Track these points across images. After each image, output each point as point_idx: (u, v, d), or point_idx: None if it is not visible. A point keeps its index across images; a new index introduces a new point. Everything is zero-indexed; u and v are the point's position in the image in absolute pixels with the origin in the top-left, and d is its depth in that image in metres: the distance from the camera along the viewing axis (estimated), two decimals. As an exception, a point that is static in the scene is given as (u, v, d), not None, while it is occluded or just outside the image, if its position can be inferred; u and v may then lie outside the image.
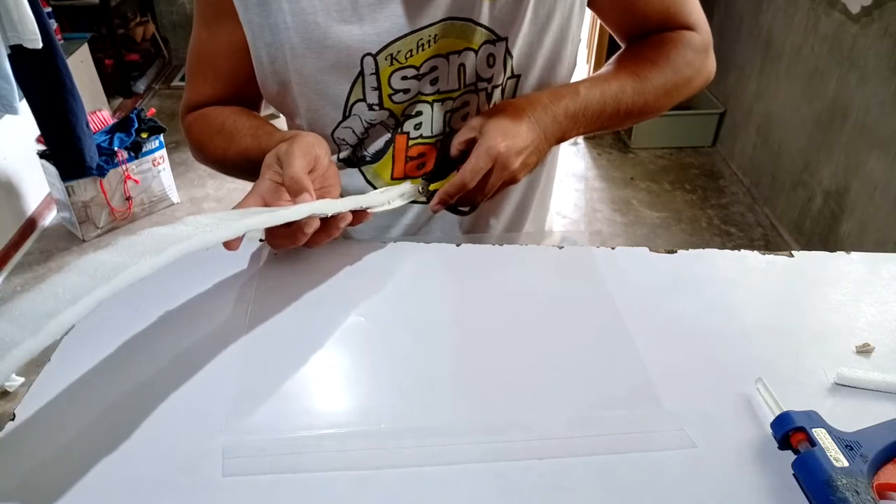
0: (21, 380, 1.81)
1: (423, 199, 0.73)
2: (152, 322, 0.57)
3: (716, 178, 2.80)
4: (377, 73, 0.67)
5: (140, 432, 0.47)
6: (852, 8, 1.93)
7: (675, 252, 0.66)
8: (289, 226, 0.55)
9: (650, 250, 0.67)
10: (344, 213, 0.58)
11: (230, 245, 0.51)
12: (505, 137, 0.62)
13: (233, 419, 0.48)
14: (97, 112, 2.52)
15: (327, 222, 0.58)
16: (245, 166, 0.69)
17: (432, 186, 0.69)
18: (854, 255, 0.66)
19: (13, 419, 0.48)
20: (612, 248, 0.67)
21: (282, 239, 0.57)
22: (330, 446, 0.46)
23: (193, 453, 0.46)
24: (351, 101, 0.69)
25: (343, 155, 0.75)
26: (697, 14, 0.74)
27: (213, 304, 0.59)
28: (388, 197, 0.67)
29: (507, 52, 0.68)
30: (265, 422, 0.48)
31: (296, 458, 0.45)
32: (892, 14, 1.79)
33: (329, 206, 0.57)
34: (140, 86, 3.53)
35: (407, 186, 0.70)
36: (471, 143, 0.65)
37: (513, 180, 0.66)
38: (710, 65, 0.75)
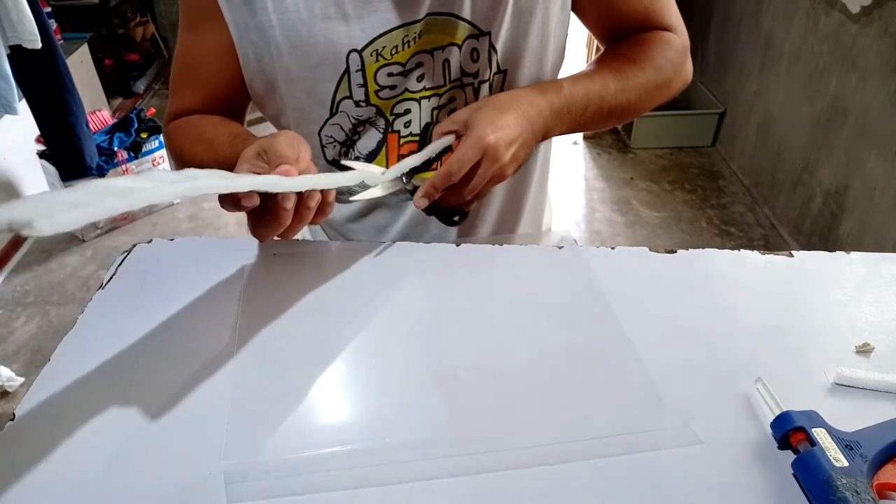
0: (21, 380, 1.81)
1: (408, 190, 0.68)
2: (145, 331, 0.56)
3: (716, 178, 2.80)
4: (363, 69, 0.67)
5: (137, 452, 0.47)
6: (852, 8, 1.92)
7: (675, 252, 0.66)
8: (268, 211, 0.53)
9: (650, 250, 0.67)
10: (314, 193, 0.55)
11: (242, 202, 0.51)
12: (495, 129, 0.60)
13: (232, 441, 0.47)
14: (97, 112, 2.52)
15: (298, 207, 0.55)
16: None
17: (416, 178, 0.67)
18: (854, 255, 0.66)
19: (13, 419, 0.48)
20: (612, 248, 0.67)
21: (264, 228, 0.55)
22: (336, 464, 0.45)
23: (193, 481, 0.44)
24: (338, 98, 0.69)
25: (330, 155, 0.75)
26: (676, 16, 0.74)
27: (201, 312, 0.58)
28: (365, 178, 0.63)
29: (492, 47, 0.68)
30: (266, 441, 0.47)
31: (302, 479, 0.44)
32: (892, 14, 1.79)
33: (311, 182, 0.54)
34: (140, 86, 3.52)
35: (381, 171, 0.66)
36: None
37: (501, 176, 0.63)
38: (689, 67, 0.75)
